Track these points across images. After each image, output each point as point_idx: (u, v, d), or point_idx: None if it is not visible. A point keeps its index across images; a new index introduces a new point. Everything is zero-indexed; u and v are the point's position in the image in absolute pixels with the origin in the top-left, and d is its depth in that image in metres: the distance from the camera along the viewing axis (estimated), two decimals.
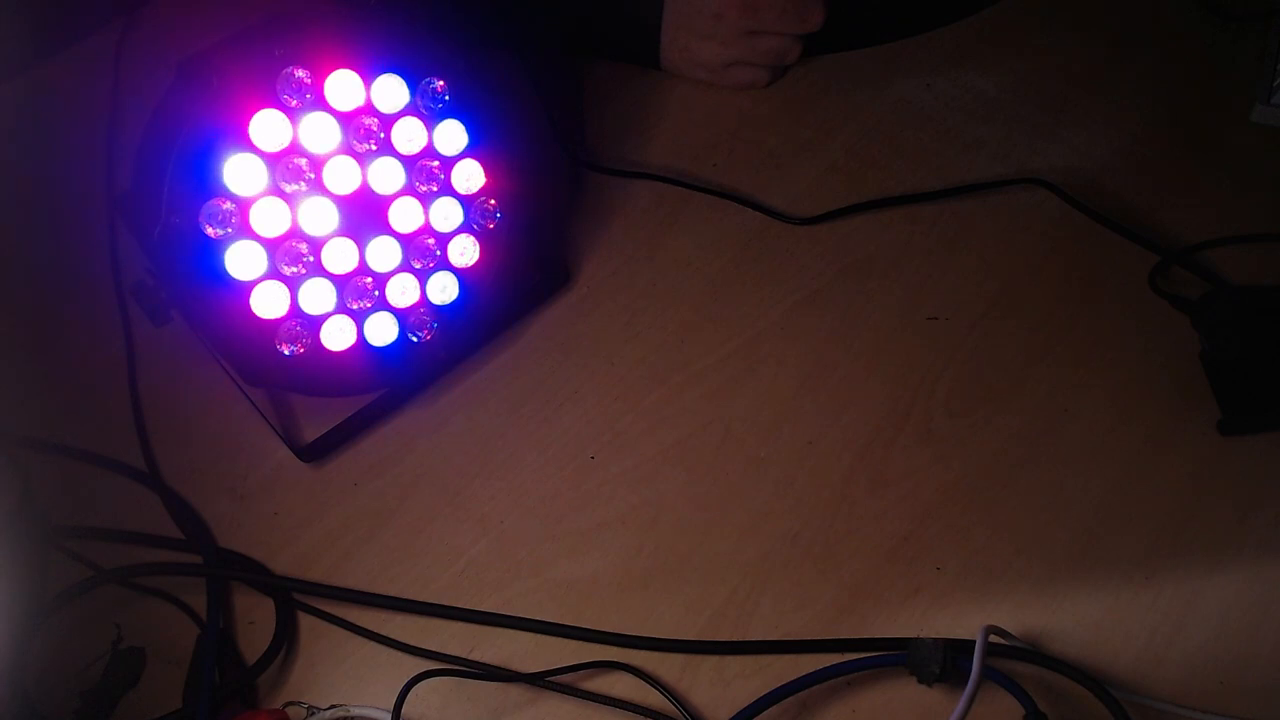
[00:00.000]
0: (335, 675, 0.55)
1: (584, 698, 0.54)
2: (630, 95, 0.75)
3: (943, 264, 0.66)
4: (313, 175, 0.54)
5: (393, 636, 0.55)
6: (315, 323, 0.56)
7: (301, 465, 0.60)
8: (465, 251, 0.60)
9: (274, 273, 0.54)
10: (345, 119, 0.54)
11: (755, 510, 0.59)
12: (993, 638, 0.52)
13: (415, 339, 0.60)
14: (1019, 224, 0.68)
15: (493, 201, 0.60)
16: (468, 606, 0.56)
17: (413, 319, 0.59)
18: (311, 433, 0.60)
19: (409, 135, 0.56)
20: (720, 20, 0.71)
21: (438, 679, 0.53)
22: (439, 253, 0.59)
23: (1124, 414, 0.61)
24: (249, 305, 0.54)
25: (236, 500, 0.59)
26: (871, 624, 0.56)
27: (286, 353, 0.56)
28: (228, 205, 0.52)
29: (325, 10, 0.54)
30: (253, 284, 0.54)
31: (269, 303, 0.55)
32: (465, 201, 0.59)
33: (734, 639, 0.55)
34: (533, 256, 0.64)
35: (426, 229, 0.59)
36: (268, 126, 0.52)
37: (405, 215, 0.58)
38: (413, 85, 0.56)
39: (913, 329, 0.64)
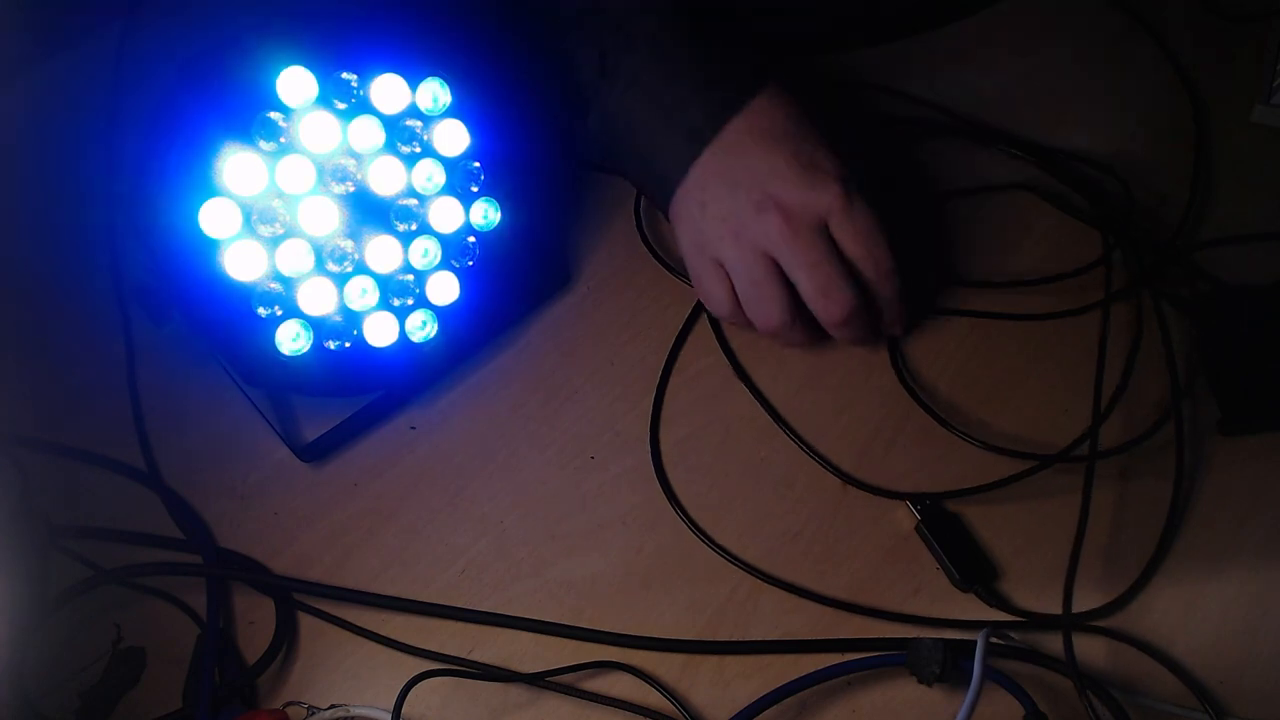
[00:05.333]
0: (335, 675, 0.55)
1: (584, 698, 0.54)
2: None
3: (942, 264, 0.66)
4: (313, 175, 0.54)
5: (393, 636, 0.55)
6: (315, 323, 0.56)
7: (301, 465, 0.60)
8: (465, 251, 0.60)
9: (274, 273, 0.54)
10: (345, 118, 0.54)
11: (755, 510, 0.59)
12: (992, 638, 0.52)
13: (415, 339, 0.60)
14: (1019, 224, 0.68)
15: (493, 201, 0.60)
16: (468, 606, 0.56)
17: (413, 319, 0.59)
18: (311, 433, 0.60)
19: (410, 135, 0.56)
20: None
21: (438, 679, 0.53)
22: (439, 253, 0.59)
23: (1123, 414, 0.61)
24: (249, 305, 0.54)
25: (236, 500, 0.59)
26: (871, 624, 0.56)
27: (286, 353, 0.56)
28: (228, 204, 0.52)
29: (326, 10, 0.54)
30: (253, 284, 0.54)
31: (269, 303, 0.55)
32: (465, 201, 0.59)
33: (734, 639, 0.55)
34: (533, 256, 0.64)
35: (426, 229, 0.59)
36: (268, 126, 0.52)
37: (406, 215, 0.58)
38: (413, 85, 0.56)
39: (913, 329, 0.64)
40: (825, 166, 0.58)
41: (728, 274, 0.60)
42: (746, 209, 0.58)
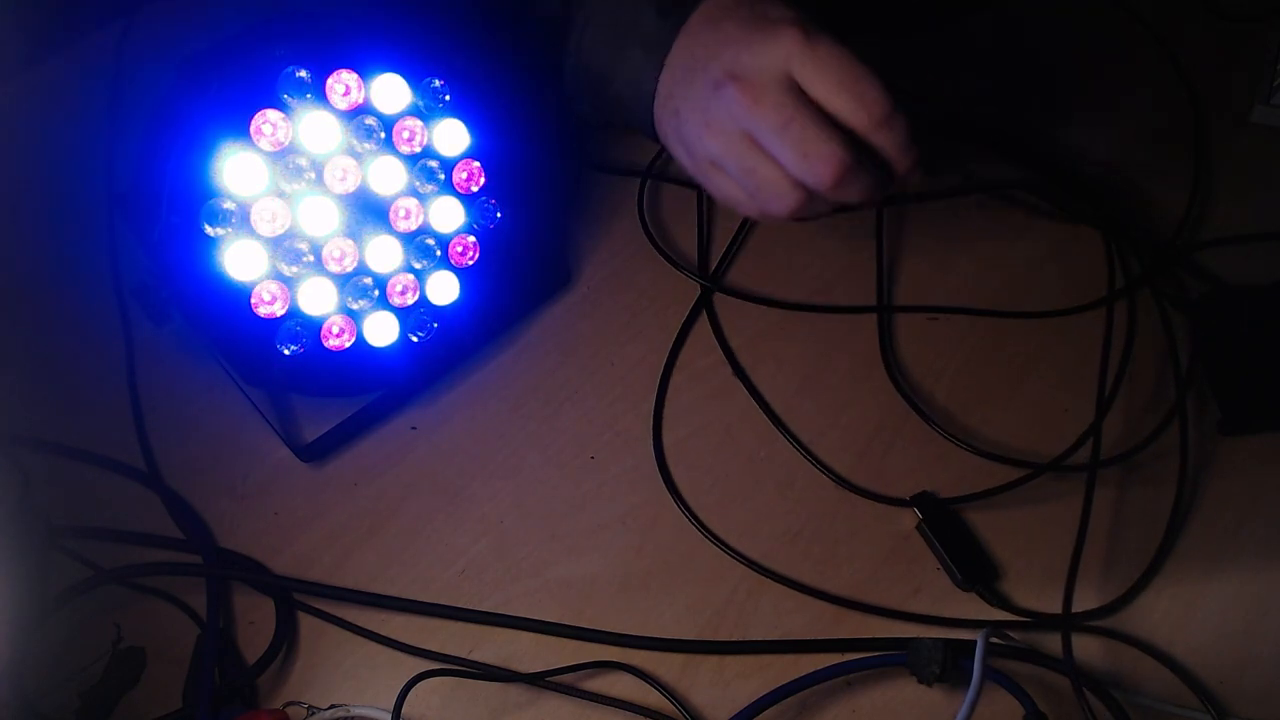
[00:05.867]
0: (335, 675, 0.55)
1: (584, 698, 0.54)
2: None
3: (943, 264, 0.66)
4: (313, 175, 0.54)
5: (393, 636, 0.55)
6: (315, 323, 0.57)
7: (301, 465, 0.60)
8: (465, 251, 0.60)
9: (274, 273, 0.54)
10: (345, 118, 0.54)
11: (755, 510, 0.59)
12: (992, 638, 0.52)
13: (415, 339, 0.60)
14: (1019, 224, 0.68)
15: (493, 201, 0.60)
16: (468, 606, 0.56)
17: (413, 319, 0.60)
18: (311, 433, 0.60)
19: (409, 135, 0.56)
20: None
21: (438, 679, 0.53)
22: (439, 253, 0.59)
23: (1124, 414, 0.61)
24: (249, 305, 0.54)
25: (236, 500, 0.59)
26: (871, 624, 0.56)
27: (286, 353, 0.56)
28: (228, 205, 0.52)
29: (325, 10, 0.54)
30: (253, 284, 0.54)
31: (269, 302, 0.55)
32: (465, 201, 0.59)
33: (734, 639, 0.55)
34: (533, 256, 0.64)
35: (426, 229, 0.59)
36: (268, 126, 0.52)
37: (405, 215, 0.58)
38: (413, 85, 0.56)
39: (913, 329, 0.64)
40: (773, 14, 0.50)
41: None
42: (707, 92, 0.52)
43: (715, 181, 0.55)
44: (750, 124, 0.51)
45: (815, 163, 0.49)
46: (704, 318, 0.65)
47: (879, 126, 0.50)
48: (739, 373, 0.63)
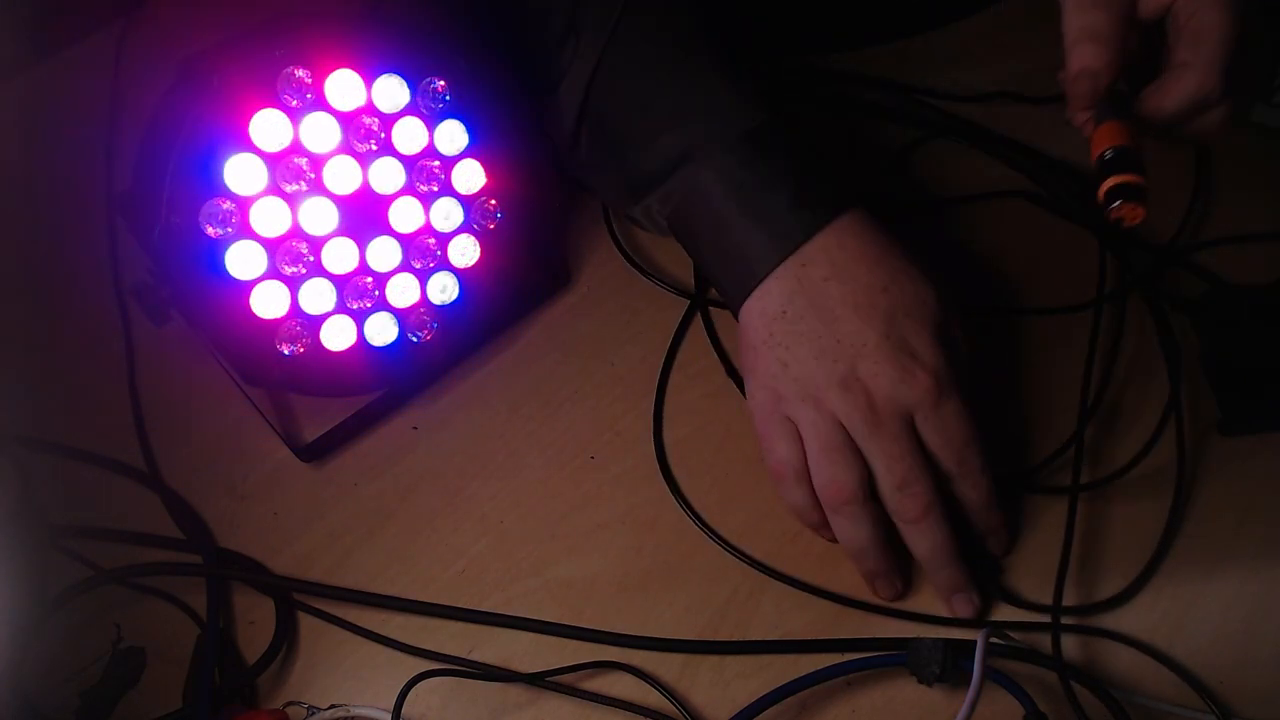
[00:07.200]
0: (335, 675, 0.55)
1: (584, 698, 0.54)
2: None
3: (942, 266, 0.66)
4: (313, 175, 0.54)
5: (393, 636, 0.55)
6: (315, 323, 0.57)
7: (301, 465, 0.60)
8: (465, 251, 0.60)
9: (274, 273, 0.54)
10: (346, 119, 0.54)
11: (755, 510, 0.59)
12: (992, 638, 0.52)
13: (415, 339, 0.60)
14: (1019, 225, 0.67)
15: (493, 201, 0.60)
16: (468, 606, 0.56)
17: (413, 319, 0.60)
18: (311, 433, 0.60)
19: (410, 135, 0.56)
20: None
21: (438, 679, 0.53)
22: (439, 253, 0.59)
23: (1121, 415, 0.61)
24: (249, 305, 0.54)
25: (236, 500, 0.59)
26: (871, 624, 0.56)
27: (286, 353, 0.56)
28: (228, 205, 0.52)
29: (326, 10, 0.54)
30: (253, 284, 0.54)
31: (269, 303, 0.55)
32: (466, 201, 0.59)
33: (734, 639, 0.55)
34: (533, 256, 0.64)
35: (427, 229, 0.59)
36: (268, 126, 0.52)
37: (405, 215, 0.58)
38: (413, 85, 0.56)
39: None
40: (919, 352, 0.54)
41: (799, 434, 0.55)
42: (831, 383, 0.54)
43: (779, 431, 0.56)
44: (861, 436, 0.54)
45: (908, 497, 0.54)
46: (699, 318, 0.64)
47: (969, 481, 0.55)
48: (734, 376, 0.62)
